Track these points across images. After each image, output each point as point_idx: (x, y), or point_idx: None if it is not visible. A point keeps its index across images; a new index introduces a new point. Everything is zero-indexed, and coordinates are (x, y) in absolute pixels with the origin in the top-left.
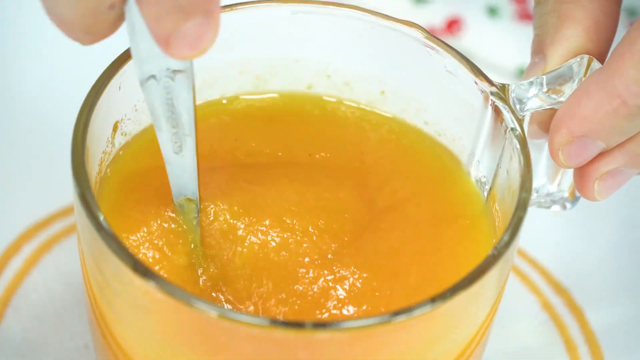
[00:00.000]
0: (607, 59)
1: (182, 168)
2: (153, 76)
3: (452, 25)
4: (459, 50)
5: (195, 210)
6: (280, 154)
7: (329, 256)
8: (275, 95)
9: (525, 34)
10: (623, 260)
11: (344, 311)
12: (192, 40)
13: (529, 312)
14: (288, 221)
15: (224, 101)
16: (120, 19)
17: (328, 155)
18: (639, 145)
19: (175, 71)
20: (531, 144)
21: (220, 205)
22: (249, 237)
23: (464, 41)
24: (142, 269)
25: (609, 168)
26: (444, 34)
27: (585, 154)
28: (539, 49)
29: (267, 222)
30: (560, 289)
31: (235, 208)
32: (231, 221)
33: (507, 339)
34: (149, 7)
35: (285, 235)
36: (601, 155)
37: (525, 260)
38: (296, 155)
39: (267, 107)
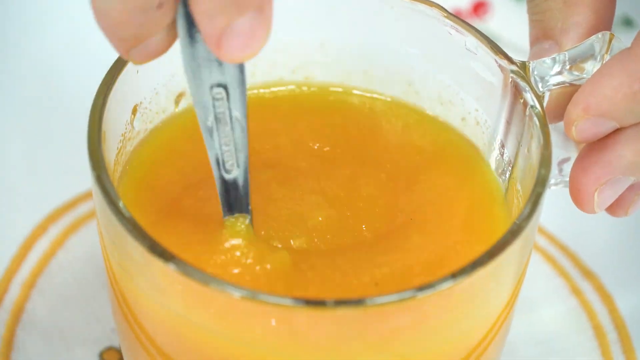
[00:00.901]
0: (632, 42)
1: (234, 185)
2: (208, 90)
3: (479, 8)
4: (485, 33)
5: (249, 226)
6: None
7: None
8: (292, 87)
9: None
10: None
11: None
12: (245, 38)
13: (558, 297)
14: (321, 218)
15: None
16: (171, 29)
17: (349, 143)
18: (636, 154)
19: (227, 85)
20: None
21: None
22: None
23: (490, 24)
24: (159, 251)
25: (607, 179)
26: (471, 17)
27: (597, 131)
28: (546, 35)
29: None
30: (589, 274)
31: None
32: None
33: (534, 323)
34: (199, 3)
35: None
36: (598, 168)
37: (554, 244)
38: (313, 147)
39: (286, 97)
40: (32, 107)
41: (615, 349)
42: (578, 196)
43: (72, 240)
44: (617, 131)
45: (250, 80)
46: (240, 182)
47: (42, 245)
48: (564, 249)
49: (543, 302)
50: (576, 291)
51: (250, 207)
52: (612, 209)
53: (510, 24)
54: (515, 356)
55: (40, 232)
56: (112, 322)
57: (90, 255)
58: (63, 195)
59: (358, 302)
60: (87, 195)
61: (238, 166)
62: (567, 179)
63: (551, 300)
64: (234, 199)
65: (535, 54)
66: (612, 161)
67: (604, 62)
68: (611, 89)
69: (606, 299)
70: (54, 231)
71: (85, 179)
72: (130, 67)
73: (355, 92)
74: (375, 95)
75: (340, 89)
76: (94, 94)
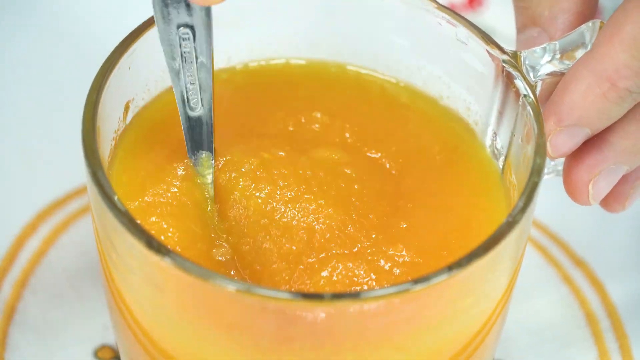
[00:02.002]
0: (593, 44)
1: (198, 123)
2: (175, 29)
3: (473, 0)
4: (480, 26)
5: (210, 165)
6: (294, 120)
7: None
8: (282, 60)
9: None
10: None
11: (359, 280)
12: None
13: (549, 286)
14: (304, 187)
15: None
16: None
17: (342, 126)
18: (626, 139)
19: (194, 26)
20: None
21: (236, 161)
22: (262, 192)
23: (485, 16)
24: (156, 246)
25: (600, 169)
26: (465, 10)
27: (571, 142)
28: (533, 22)
29: (281, 183)
30: (580, 263)
31: (252, 166)
32: (246, 181)
33: (527, 313)
34: None
35: (302, 195)
36: (591, 158)
37: (544, 233)
38: (313, 123)
39: (280, 72)
40: (19, 106)
41: (608, 336)
42: (572, 188)
43: (63, 238)
44: None
45: (248, 55)
46: (204, 120)
47: (33, 244)
48: (554, 238)
49: (535, 291)
50: (567, 280)
51: (214, 146)
52: (609, 205)
53: (505, 16)
54: (508, 345)
55: (30, 230)
56: (105, 319)
57: (81, 253)
58: (52, 194)
59: (354, 295)
60: (77, 193)
61: (202, 105)
62: (559, 168)
63: (543, 289)
64: (198, 136)
65: (524, 42)
66: (604, 149)
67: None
68: (580, 93)
69: (597, 286)
70: (45, 229)
71: (75, 176)
72: (122, 63)
73: (349, 67)
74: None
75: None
76: (81, 91)
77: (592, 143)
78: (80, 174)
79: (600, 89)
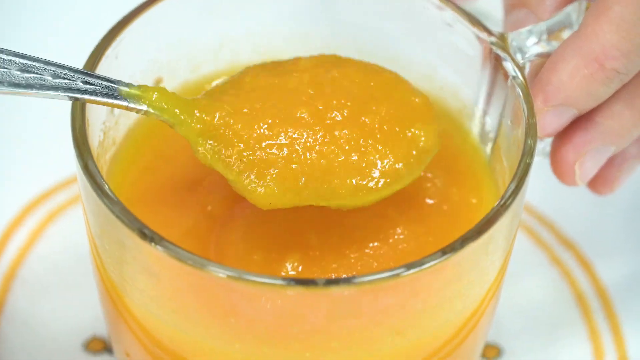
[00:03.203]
0: (580, 24)
1: None
2: None
3: None
4: (475, 12)
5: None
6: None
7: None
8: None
9: None
10: (630, 212)
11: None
12: None
13: (538, 268)
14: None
15: None
16: None
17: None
18: (612, 119)
19: None
20: None
21: None
22: None
23: (479, 2)
24: (149, 235)
25: (587, 149)
26: None
27: (558, 122)
28: (520, 3)
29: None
30: (568, 244)
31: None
32: None
33: (518, 295)
34: None
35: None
36: (577, 137)
37: (531, 215)
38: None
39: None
40: (2, 99)
41: (598, 315)
42: (559, 168)
43: (50, 230)
44: None
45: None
46: None
47: (20, 236)
48: (542, 220)
49: (524, 273)
50: (557, 261)
51: None
52: (597, 187)
53: (499, 2)
54: (499, 327)
55: (17, 223)
56: (95, 311)
57: (69, 244)
58: (38, 187)
59: (348, 280)
60: (63, 185)
61: None
62: (547, 149)
63: (532, 271)
64: None
65: (512, 23)
66: (589, 129)
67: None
68: (567, 73)
69: (586, 267)
70: (32, 222)
71: (61, 169)
72: (109, 53)
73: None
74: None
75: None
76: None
77: (579, 123)
78: (65, 166)
79: (588, 70)
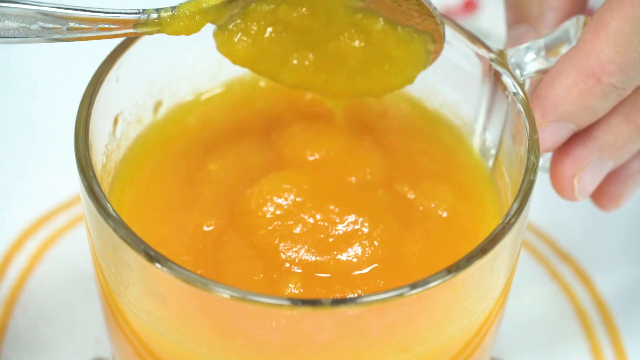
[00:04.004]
0: (578, 40)
1: None
2: None
3: (469, 5)
4: (475, 29)
5: None
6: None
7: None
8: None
9: None
10: (628, 225)
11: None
12: None
13: (538, 282)
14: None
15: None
16: None
17: (329, 129)
18: (609, 134)
19: None
20: None
21: None
22: None
23: (480, 21)
24: (154, 256)
25: (584, 163)
26: (461, 14)
27: (556, 137)
28: (522, 19)
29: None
30: (566, 258)
31: None
32: None
33: (518, 310)
34: None
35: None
36: (575, 152)
37: (529, 230)
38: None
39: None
40: (0, 124)
41: (599, 329)
42: (558, 183)
43: (50, 253)
44: None
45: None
46: None
47: (20, 261)
48: (539, 234)
49: (524, 288)
50: (555, 275)
51: None
52: (602, 203)
53: (500, 20)
54: (500, 342)
55: (16, 248)
56: (97, 333)
57: (69, 267)
58: (36, 210)
59: (354, 300)
60: (61, 208)
61: None
62: (547, 165)
63: (531, 285)
64: None
65: (513, 39)
66: (587, 144)
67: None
68: (565, 88)
69: (585, 281)
70: (31, 246)
71: (59, 192)
72: (110, 77)
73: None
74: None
75: None
76: (61, 110)
77: (578, 138)
78: (63, 189)
79: (585, 85)
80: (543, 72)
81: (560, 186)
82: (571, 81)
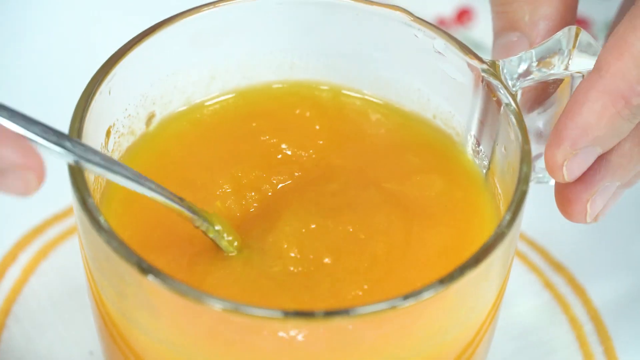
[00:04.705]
0: (597, 63)
1: None
2: None
3: (462, 16)
4: (469, 41)
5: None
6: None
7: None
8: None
9: None
10: (621, 235)
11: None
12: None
13: (531, 293)
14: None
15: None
16: None
17: (322, 142)
18: (623, 157)
19: None
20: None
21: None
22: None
23: (474, 32)
24: (147, 268)
25: (598, 187)
26: (454, 25)
27: (585, 164)
28: (513, 27)
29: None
30: (560, 268)
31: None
32: None
33: (511, 320)
34: None
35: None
36: (590, 176)
37: (522, 240)
38: (297, 150)
39: (261, 98)
40: None
41: (593, 339)
42: (570, 208)
43: (43, 265)
44: None
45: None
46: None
47: (14, 272)
48: (533, 244)
49: (517, 298)
50: (549, 285)
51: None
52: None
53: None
54: (494, 353)
55: (10, 260)
56: (91, 345)
57: (63, 279)
58: (30, 221)
59: (346, 312)
60: (54, 219)
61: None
62: (540, 175)
63: (525, 295)
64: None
65: (503, 46)
66: (602, 167)
67: (571, 58)
68: (594, 114)
69: (579, 291)
70: (24, 258)
71: (52, 204)
72: (103, 88)
73: (323, 87)
74: (346, 91)
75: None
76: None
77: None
78: (56, 200)
79: (615, 108)
80: (535, 83)
81: (571, 211)
82: (601, 106)
